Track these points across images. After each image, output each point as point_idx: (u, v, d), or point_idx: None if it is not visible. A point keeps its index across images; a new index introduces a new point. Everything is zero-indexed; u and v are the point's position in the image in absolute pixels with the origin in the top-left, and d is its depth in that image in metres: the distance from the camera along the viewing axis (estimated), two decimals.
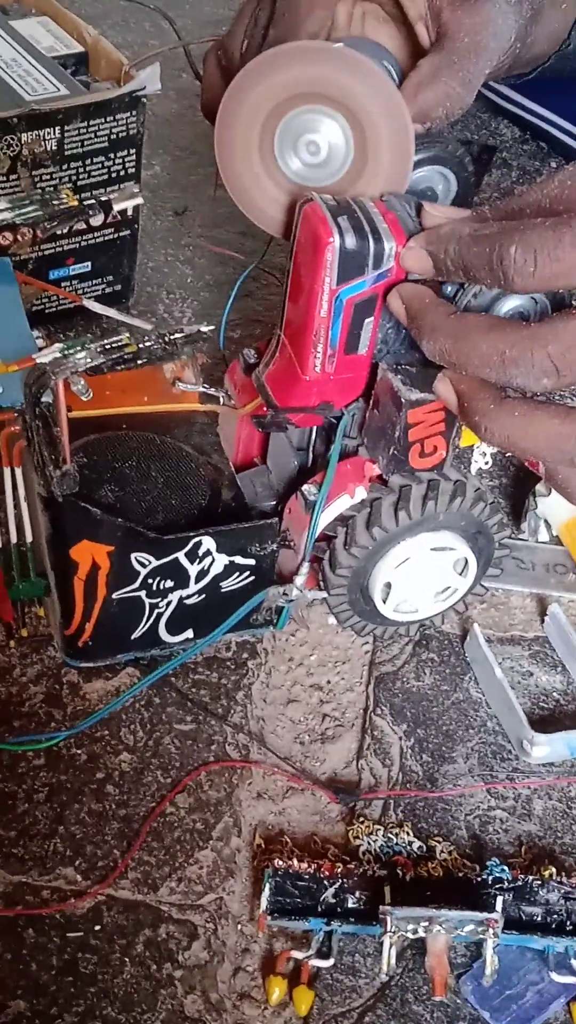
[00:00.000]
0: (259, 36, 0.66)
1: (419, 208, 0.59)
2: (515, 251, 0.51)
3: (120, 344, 0.57)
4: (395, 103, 0.59)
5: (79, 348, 0.57)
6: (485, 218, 0.55)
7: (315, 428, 0.68)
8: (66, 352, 0.57)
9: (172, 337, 0.59)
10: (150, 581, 0.65)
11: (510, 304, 0.56)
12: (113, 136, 0.86)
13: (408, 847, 0.65)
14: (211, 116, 0.66)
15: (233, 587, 0.68)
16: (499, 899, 0.60)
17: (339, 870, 0.62)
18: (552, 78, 0.79)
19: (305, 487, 0.65)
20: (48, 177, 0.84)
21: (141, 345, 0.58)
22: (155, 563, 0.64)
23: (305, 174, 0.62)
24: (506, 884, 0.61)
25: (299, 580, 0.67)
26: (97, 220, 0.88)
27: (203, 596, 0.67)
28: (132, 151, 0.88)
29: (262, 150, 0.61)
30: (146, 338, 0.59)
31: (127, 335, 0.58)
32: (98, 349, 0.57)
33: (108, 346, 0.57)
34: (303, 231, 0.59)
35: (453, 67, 0.63)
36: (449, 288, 0.57)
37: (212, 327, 0.62)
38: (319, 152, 0.61)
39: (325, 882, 0.61)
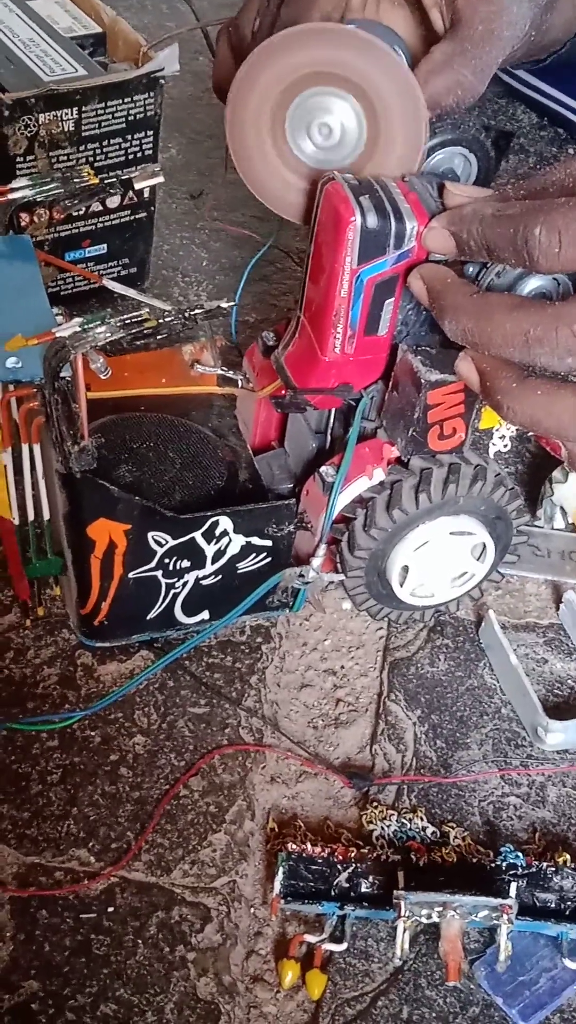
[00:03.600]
0: (271, 16, 0.65)
1: (441, 188, 0.58)
2: (540, 231, 0.50)
3: (140, 319, 0.57)
4: (409, 86, 0.58)
5: (99, 323, 0.57)
6: (508, 198, 0.55)
7: (333, 410, 0.68)
8: (85, 327, 0.57)
9: (192, 313, 0.58)
10: (167, 561, 0.65)
11: (532, 284, 0.56)
12: (131, 117, 0.85)
13: (422, 832, 0.65)
14: (222, 95, 0.66)
15: (249, 568, 0.67)
16: (513, 885, 0.59)
17: (353, 854, 0.62)
18: (570, 63, 0.78)
19: (323, 469, 0.65)
20: (65, 158, 0.84)
21: (161, 320, 0.58)
22: (172, 543, 0.64)
23: (317, 156, 0.61)
24: (520, 870, 0.61)
25: (316, 562, 0.67)
26: (114, 202, 0.88)
27: (219, 577, 0.67)
28: (150, 133, 0.87)
29: (274, 131, 0.61)
30: (166, 314, 0.58)
31: (146, 310, 0.58)
32: (118, 324, 0.57)
33: (128, 321, 0.57)
34: (324, 210, 0.59)
35: (466, 55, 0.62)
36: (471, 268, 0.57)
37: (232, 303, 0.62)
38: (331, 134, 0.60)
39: (339, 866, 0.61)
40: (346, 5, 0.66)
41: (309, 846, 0.62)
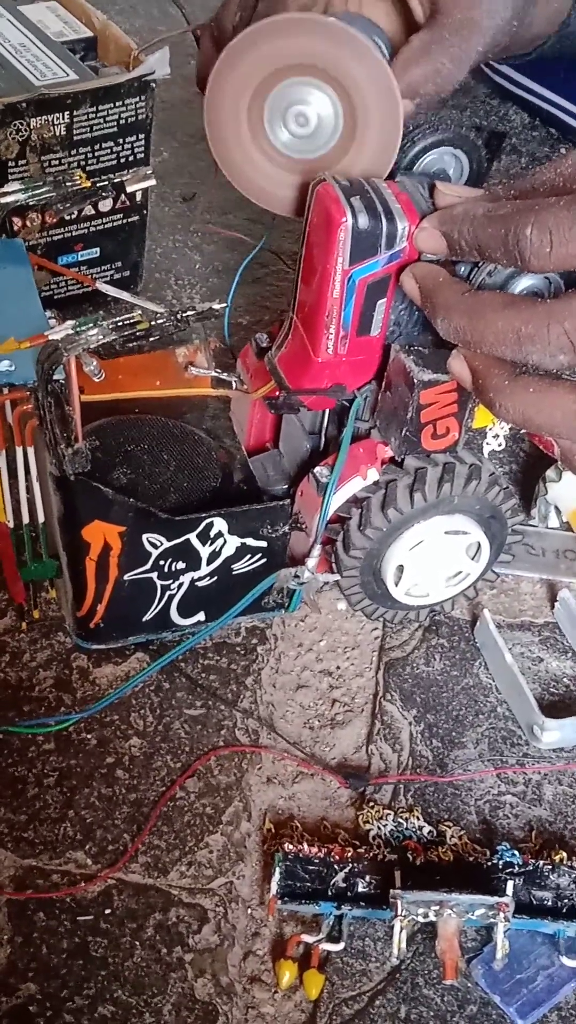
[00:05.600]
0: (249, 10, 0.66)
1: (432, 188, 0.58)
2: (531, 231, 0.50)
3: (132, 321, 0.57)
4: (383, 75, 0.59)
5: (91, 325, 0.57)
6: (498, 197, 0.55)
7: (327, 411, 0.68)
8: (78, 329, 0.57)
9: (184, 314, 0.58)
10: (162, 562, 0.65)
11: (524, 283, 0.56)
12: (122, 121, 0.85)
13: (418, 832, 0.65)
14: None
15: (245, 569, 0.67)
16: (510, 883, 0.59)
17: (349, 854, 0.62)
18: (560, 61, 0.79)
19: (317, 469, 0.65)
20: (57, 162, 0.84)
21: (153, 323, 0.58)
22: (167, 544, 0.64)
23: (293, 145, 0.62)
24: (517, 868, 0.61)
25: (311, 562, 0.67)
26: (106, 205, 0.88)
27: (215, 578, 0.67)
28: (141, 136, 0.87)
29: (251, 121, 0.61)
30: (158, 316, 0.58)
31: (139, 312, 0.58)
32: (110, 326, 0.57)
33: (120, 323, 0.57)
34: (316, 211, 0.59)
35: (444, 43, 0.63)
36: (463, 268, 0.57)
37: (224, 305, 0.62)
38: (307, 123, 0.61)
39: (335, 866, 0.61)
40: (328, 0, 0.66)
41: (306, 846, 0.62)
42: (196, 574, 0.67)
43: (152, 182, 0.75)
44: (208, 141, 0.62)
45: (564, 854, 0.64)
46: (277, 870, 0.61)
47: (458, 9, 0.63)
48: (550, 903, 0.61)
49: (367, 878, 0.61)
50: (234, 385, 0.71)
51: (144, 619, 0.68)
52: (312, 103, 0.60)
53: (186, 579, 0.67)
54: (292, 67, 0.59)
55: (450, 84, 0.63)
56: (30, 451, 0.62)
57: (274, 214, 0.64)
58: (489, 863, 0.62)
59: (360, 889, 0.61)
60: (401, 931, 0.59)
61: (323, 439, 0.69)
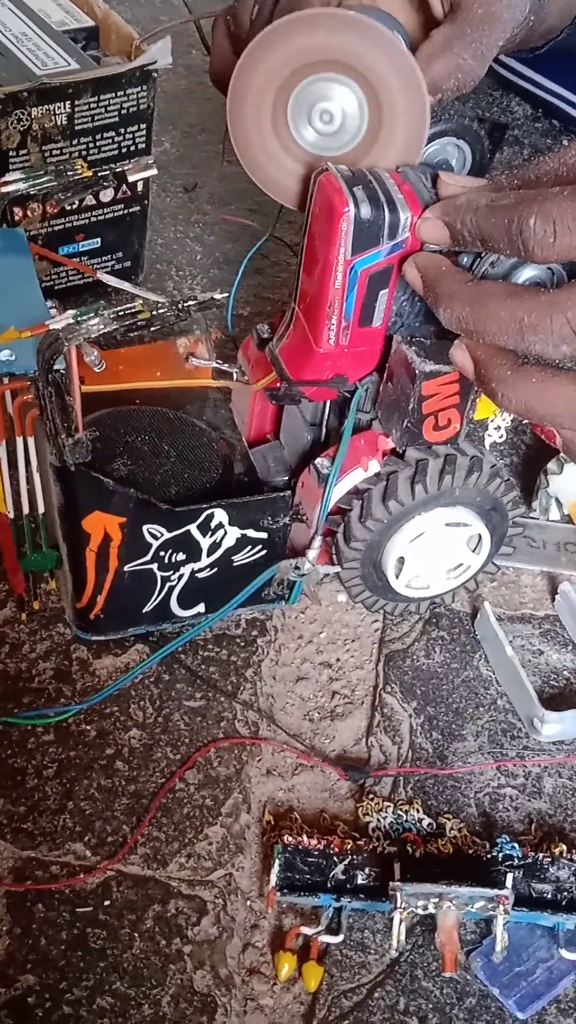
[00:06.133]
0: (270, 4, 0.65)
1: (435, 178, 0.58)
2: (534, 221, 0.50)
3: (133, 311, 0.57)
4: (411, 71, 0.58)
5: (92, 315, 0.57)
6: (501, 187, 0.54)
7: (328, 402, 0.68)
8: (79, 319, 0.57)
9: (185, 304, 0.58)
10: (162, 554, 0.65)
11: (527, 274, 0.55)
12: (124, 111, 0.85)
13: (418, 824, 0.65)
14: (220, 84, 0.66)
15: (245, 561, 0.67)
16: (509, 876, 0.59)
17: (349, 846, 0.62)
18: (565, 53, 0.78)
19: (318, 460, 0.65)
20: (59, 152, 0.84)
21: (154, 312, 0.58)
22: (167, 535, 0.64)
23: (319, 143, 0.61)
24: (516, 861, 0.61)
25: (311, 554, 0.67)
26: (107, 195, 0.88)
27: (215, 570, 0.67)
28: (143, 126, 0.87)
29: (275, 119, 0.60)
30: (159, 306, 0.58)
31: (140, 302, 0.58)
32: (111, 316, 0.57)
33: (121, 313, 0.57)
34: (318, 201, 0.59)
35: (466, 38, 0.62)
36: (466, 258, 0.57)
37: (225, 294, 0.62)
38: (332, 121, 0.60)
39: (335, 858, 0.61)
40: None
41: (305, 838, 0.62)
42: (196, 565, 0.67)
43: (153, 172, 0.74)
44: (232, 142, 0.62)
45: (564, 847, 0.64)
46: (276, 862, 0.61)
47: (479, 4, 0.62)
48: (549, 896, 0.61)
49: (366, 870, 0.61)
50: (235, 376, 0.71)
51: (144, 610, 0.68)
52: (336, 99, 0.59)
53: (186, 570, 0.67)
54: (316, 63, 0.59)
55: (472, 80, 0.63)
56: (30, 441, 0.62)
57: (281, 206, 0.64)
58: (489, 856, 0.61)
59: (359, 881, 0.61)
60: (400, 923, 0.59)
61: (324, 430, 0.69)
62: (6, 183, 0.67)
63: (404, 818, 0.65)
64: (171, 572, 0.66)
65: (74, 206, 0.87)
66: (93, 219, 0.89)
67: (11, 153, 0.82)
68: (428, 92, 0.60)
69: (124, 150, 0.87)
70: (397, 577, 0.67)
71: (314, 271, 0.60)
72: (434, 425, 0.62)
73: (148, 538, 0.64)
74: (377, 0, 0.66)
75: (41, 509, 0.66)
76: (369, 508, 0.64)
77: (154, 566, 0.65)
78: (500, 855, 0.61)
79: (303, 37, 0.58)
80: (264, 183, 0.63)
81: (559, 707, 0.69)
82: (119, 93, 0.84)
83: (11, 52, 0.85)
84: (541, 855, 0.62)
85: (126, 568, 0.65)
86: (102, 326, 0.56)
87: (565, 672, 0.73)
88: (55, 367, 0.57)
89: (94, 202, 0.88)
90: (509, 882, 0.59)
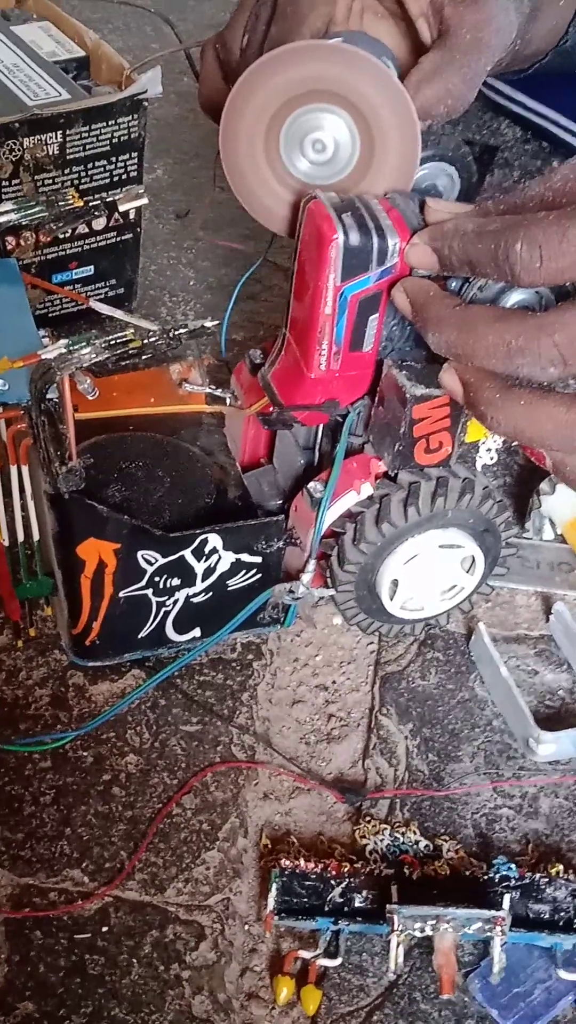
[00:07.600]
0: (260, 33, 0.66)
1: (422, 204, 0.59)
2: (520, 246, 0.51)
3: (125, 340, 0.57)
4: (402, 99, 0.59)
5: (84, 344, 0.57)
6: (488, 212, 0.55)
7: (321, 426, 0.68)
8: (71, 348, 0.57)
9: (176, 332, 0.58)
10: (157, 579, 0.65)
11: (515, 298, 0.56)
12: (115, 140, 0.86)
13: (415, 846, 0.65)
14: (210, 111, 0.66)
15: (240, 585, 0.68)
16: (506, 897, 0.59)
17: (346, 869, 0.62)
18: (552, 75, 0.79)
19: (311, 484, 0.65)
20: (51, 181, 0.84)
21: (146, 341, 0.58)
22: (161, 561, 0.64)
23: (311, 172, 0.61)
24: (513, 882, 0.61)
25: (305, 577, 0.67)
26: (100, 223, 0.89)
27: (210, 594, 0.67)
28: (134, 155, 0.88)
29: (268, 149, 0.61)
30: (151, 334, 0.59)
31: (131, 331, 0.58)
32: (103, 345, 0.57)
33: (113, 342, 0.57)
34: (307, 229, 0.60)
35: (455, 64, 0.63)
36: (454, 283, 0.57)
37: (216, 322, 0.62)
38: (325, 150, 0.61)
39: (332, 881, 0.61)
40: (331, 18, 0.66)
41: (302, 862, 0.62)
42: (191, 590, 0.67)
43: (144, 200, 0.75)
44: (225, 174, 0.62)
45: (561, 867, 0.64)
46: (274, 886, 0.61)
47: (467, 29, 0.63)
48: (547, 916, 0.61)
49: (364, 893, 0.61)
50: (228, 401, 0.71)
51: (140, 636, 0.68)
52: (328, 129, 0.60)
53: (181, 595, 0.67)
54: (307, 94, 0.59)
55: (462, 105, 0.63)
56: (24, 470, 0.63)
57: (272, 233, 0.64)
58: (486, 877, 0.61)
59: (357, 904, 0.61)
60: (398, 946, 0.59)
61: (317, 454, 0.70)
62: None
63: (401, 840, 0.65)
64: (166, 597, 0.67)
65: (67, 234, 0.87)
66: (86, 247, 0.90)
67: (3, 183, 0.82)
68: (419, 118, 0.60)
69: (116, 178, 0.88)
70: (391, 599, 0.68)
71: (304, 297, 0.61)
72: (426, 448, 0.63)
73: (143, 564, 0.64)
74: (365, 26, 0.67)
75: (36, 536, 0.66)
76: (363, 531, 0.65)
77: (149, 591, 0.66)
78: (497, 876, 0.61)
79: (293, 69, 0.59)
80: (256, 212, 0.63)
81: (555, 727, 0.69)
82: (110, 122, 0.85)
83: (2, 83, 0.85)
84: (538, 876, 0.62)
85: (121, 594, 0.65)
86: (94, 355, 0.57)
87: (560, 692, 0.73)
88: (48, 396, 0.57)
89: (87, 230, 0.88)
90: (506, 903, 0.59)
